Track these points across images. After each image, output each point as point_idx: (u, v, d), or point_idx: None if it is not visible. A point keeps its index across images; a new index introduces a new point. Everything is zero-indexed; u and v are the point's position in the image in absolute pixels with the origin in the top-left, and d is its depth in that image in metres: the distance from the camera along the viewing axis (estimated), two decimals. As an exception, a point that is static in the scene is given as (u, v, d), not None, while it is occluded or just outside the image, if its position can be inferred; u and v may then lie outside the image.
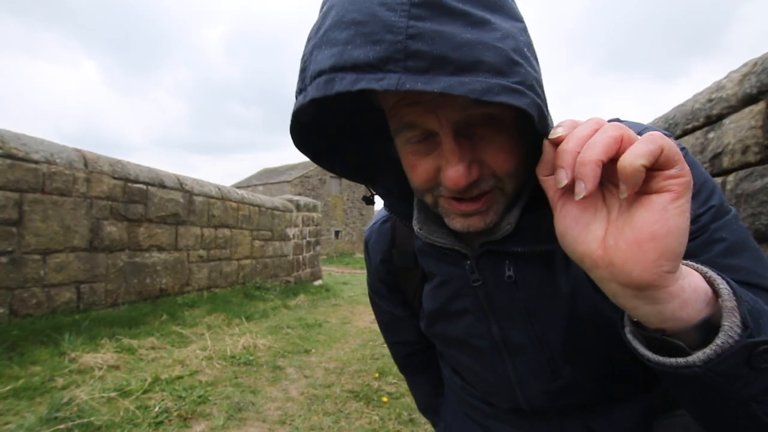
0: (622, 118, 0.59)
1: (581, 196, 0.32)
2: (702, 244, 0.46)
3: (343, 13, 0.36)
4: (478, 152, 0.43)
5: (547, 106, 0.40)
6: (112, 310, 4.08)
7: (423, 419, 2.21)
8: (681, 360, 0.34)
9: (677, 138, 2.26)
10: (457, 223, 0.49)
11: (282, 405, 2.55)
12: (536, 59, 0.41)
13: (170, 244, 4.90)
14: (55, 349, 3.03)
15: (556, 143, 0.36)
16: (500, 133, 0.43)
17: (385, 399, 2.64)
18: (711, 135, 1.90)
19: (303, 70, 0.40)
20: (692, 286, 0.34)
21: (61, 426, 1.98)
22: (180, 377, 2.84)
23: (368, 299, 0.93)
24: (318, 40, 0.38)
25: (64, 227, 3.66)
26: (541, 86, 0.39)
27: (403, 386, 2.78)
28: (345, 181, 25.45)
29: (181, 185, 5.10)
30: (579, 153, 0.33)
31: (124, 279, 4.27)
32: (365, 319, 5.41)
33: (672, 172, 0.32)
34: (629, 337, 0.39)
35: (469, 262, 0.57)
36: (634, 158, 0.31)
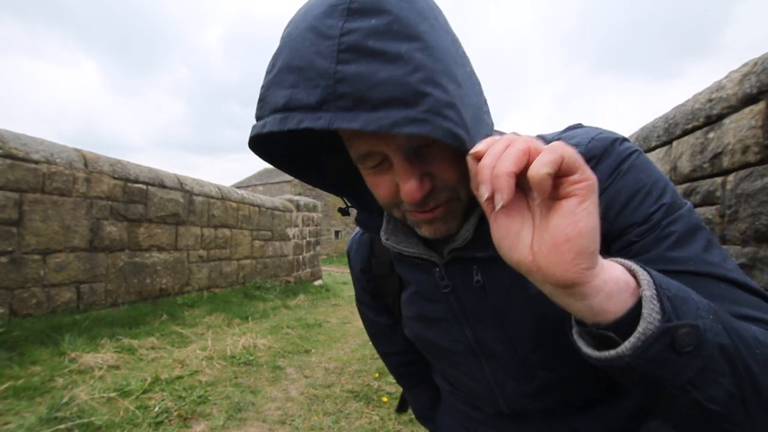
0: (584, 124, 0.61)
1: (499, 207, 0.36)
2: (653, 240, 0.49)
3: (289, 59, 0.44)
4: (427, 167, 0.48)
5: (466, 124, 0.43)
6: (112, 310, 4.08)
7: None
8: (612, 352, 0.36)
9: (677, 138, 2.26)
10: (425, 231, 0.54)
11: (282, 405, 2.55)
12: (455, 82, 0.44)
13: (170, 244, 4.90)
14: (55, 349, 3.03)
15: (478, 158, 0.40)
16: (440, 150, 0.48)
17: (385, 399, 2.64)
18: (711, 135, 1.90)
19: (261, 100, 0.47)
20: (613, 279, 0.37)
21: (61, 426, 1.98)
22: (180, 377, 2.84)
23: None
24: (273, 78, 0.45)
25: (64, 227, 3.66)
26: (455, 105, 0.42)
27: (403, 386, 2.79)
28: (345, 181, 25.38)
29: (181, 185, 5.10)
30: (494, 167, 0.37)
31: (124, 279, 4.27)
32: (365, 319, 5.41)
33: (575, 177, 0.35)
34: (575, 337, 0.41)
35: (437, 269, 0.60)
36: (539, 168, 0.34)
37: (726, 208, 1.77)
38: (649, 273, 0.38)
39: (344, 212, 0.67)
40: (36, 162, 3.45)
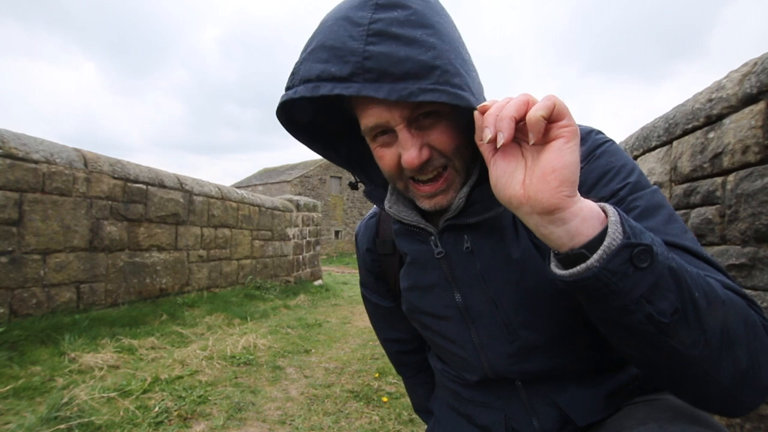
0: (581, 125, 0.68)
1: (501, 143, 0.44)
2: None
3: (324, 39, 0.53)
4: (426, 138, 0.57)
5: (471, 89, 0.53)
6: (112, 310, 4.07)
7: (423, 419, 2.21)
8: (582, 265, 0.43)
9: (677, 138, 2.26)
10: (426, 204, 0.62)
11: (282, 405, 2.55)
12: (461, 59, 0.54)
13: (170, 244, 4.90)
14: (55, 349, 3.03)
15: (483, 112, 0.48)
16: (441, 122, 0.56)
17: (385, 399, 2.64)
18: (711, 135, 1.90)
19: (294, 74, 0.55)
20: (588, 207, 0.44)
21: (62, 426, 1.98)
22: (180, 377, 2.84)
23: None
24: (307, 55, 0.54)
25: (64, 227, 3.66)
26: (461, 75, 0.52)
27: (404, 386, 2.78)
28: (345, 182, 25.42)
29: (180, 185, 5.10)
30: (498, 115, 0.45)
31: (124, 279, 4.27)
32: (365, 319, 5.40)
33: (562, 122, 0.43)
34: (552, 268, 0.47)
35: (432, 237, 0.67)
36: (535, 111, 0.42)
37: (726, 208, 1.77)
38: (614, 207, 0.45)
39: (353, 186, 0.76)
40: (36, 162, 3.45)
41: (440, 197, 0.61)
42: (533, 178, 0.44)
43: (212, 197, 5.65)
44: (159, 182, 4.74)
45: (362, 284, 0.97)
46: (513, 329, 0.65)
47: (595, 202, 0.51)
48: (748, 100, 1.64)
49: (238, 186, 26.40)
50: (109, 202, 4.11)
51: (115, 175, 4.18)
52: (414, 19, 0.51)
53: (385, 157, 0.60)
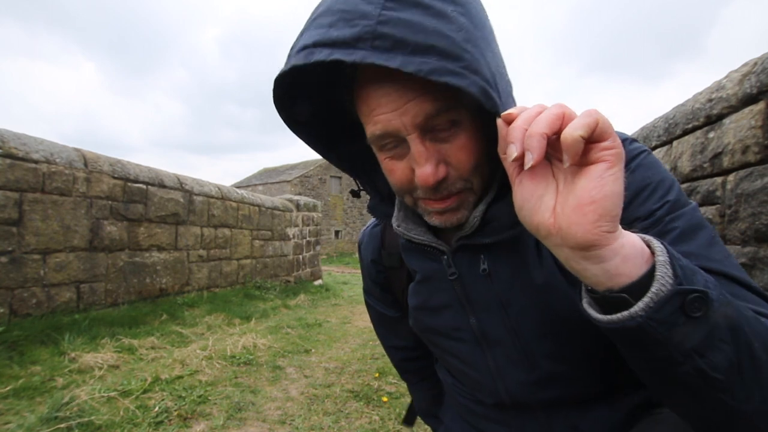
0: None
1: (529, 165, 0.36)
2: (656, 235, 0.48)
3: (332, 3, 0.45)
4: (443, 153, 0.49)
5: (498, 89, 0.45)
6: (112, 309, 4.07)
7: (423, 419, 2.20)
8: (625, 313, 0.36)
9: (677, 138, 2.26)
10: (435, 220, 0.56)
11: (282, 405, 2.55)
12: (491, 51, 0.46)
13: (170, 243, 4.90)
14: (55, 349, 3.03)
15: (509, 122, 0.40)
16: (459, 134, 0.49)
17: (385, 399, 2.64)
18: (711, 135, 1.90)
19: (292, 47, 0.47)
20: (631, 243, 0.38)
21: (62, 425, 1.98)
22: (180, 377, 2.84)
23: None
24: (308, 24, 0.46)
25: (64, 227, 3.66)
26: (491, 70, 0.44)
27: (403, 386, 2.78)
28: (345, 181, 25.43)
29: (180, 185, 5.10)
30: (527, 129, 0.37)
31: (124, 279, 4.27)
32: (365, 318, 5.40)
33: (606, 144, 0.35)
34: (585, 306, 0.41)
35: (445, 257, 0.61)
36: (573, 130, 0.35)
37: (726, 208, 1.77)
38: (662, 243, 0.39)
39: (355, 194, 0.69)
40: (36, 162, 3.45)
41: (449, 215, 0.54)
42: (566, 208, 0.37)
43: (212, 197, 5.65)
44: (159, 182, 4.74)
45: (366, 292, 0.92)
46: (534, 358, 0.60)
47: (632, 223, 0.44)
48: (748, 100, 1.64)
49: (238, 186, 26.41)
50: (109, 202, 4.11)
51: (115, 175, 4.18)
52: None
53: (396, 171, 0.52)
